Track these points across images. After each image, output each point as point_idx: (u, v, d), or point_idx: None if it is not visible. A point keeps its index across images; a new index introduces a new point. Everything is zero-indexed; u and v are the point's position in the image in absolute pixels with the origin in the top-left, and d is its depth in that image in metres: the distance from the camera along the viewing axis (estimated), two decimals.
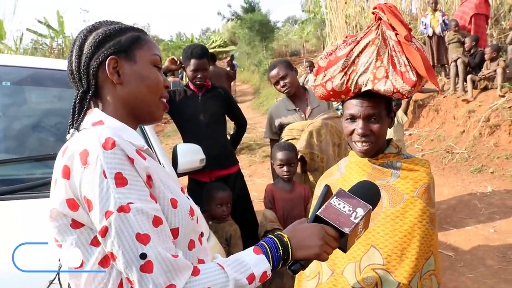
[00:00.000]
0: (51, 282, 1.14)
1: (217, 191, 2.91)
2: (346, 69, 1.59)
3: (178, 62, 3.15)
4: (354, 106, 1.60)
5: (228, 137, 3.62)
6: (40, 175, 2.07)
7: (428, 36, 9.34)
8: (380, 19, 1.58)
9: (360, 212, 1.11)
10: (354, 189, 1.20)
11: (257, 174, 7.33)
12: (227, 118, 3.48)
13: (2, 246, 1.44)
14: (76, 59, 1.09)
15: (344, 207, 1.12)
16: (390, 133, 4.57)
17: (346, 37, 1.67)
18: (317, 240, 1.07)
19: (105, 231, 0.89)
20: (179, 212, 1.03)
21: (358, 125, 1.57)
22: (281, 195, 2.94)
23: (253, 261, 1.01)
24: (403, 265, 1.50)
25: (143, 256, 0.89)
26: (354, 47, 1.60)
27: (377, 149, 1.62)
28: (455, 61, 8.04)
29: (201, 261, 1.10)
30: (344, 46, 1.63)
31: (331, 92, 1.65)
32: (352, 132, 1.60)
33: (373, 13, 1.62)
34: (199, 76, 3.12)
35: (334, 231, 1.10)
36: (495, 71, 7.25)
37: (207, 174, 3.13)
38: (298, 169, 3.09)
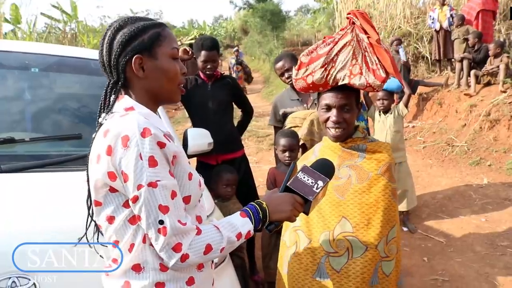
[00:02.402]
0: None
1: (225, 173, 3.14)
2: (326, 65, 1.82)
3: (190, 52, 3.38)
4: (330, 98, 1.85)
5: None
6: (65, 152, 2.32)
7: (435, 30, 9.45)
8: (353, 23, 1.82)
9: (320, 184, 1.40)
10: (315, 165, 1.48)
11: (264, 161, 7.50)
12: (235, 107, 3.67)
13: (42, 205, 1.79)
14: (107, 55, 1.29)
15: (308, 180, 1.41)
16: (390, 124, 4.76)
17: (325, 37, 1.90)
18: (288, 206, 1.37)
19: (135, 199, 1.15)
20: (193, 183, 1.30)
21: (333, 113, 1.83)
22: (282, 178, 3.10)
23: (240, 222, 1.29)
24: (369, 232, 1.78)
25: (161, 222, 1.15)
26: (333, 46, 1.83)
27: (347, 134, 1.89)
28: (461, 61, 8.18)
29: (198, 218, 1.38)
30: (324, 46, 1.87)
31: (311, 85, 1.89)
32: (327, 119, 1.85)
33: (347, 17, 1.86)
34: (208, 66, 3.33)
35: (300, 198, 1.39)
36: (498, 67, 7.35)
37: (214, 157, 3.36)
38: (299, 155, 3.26)
